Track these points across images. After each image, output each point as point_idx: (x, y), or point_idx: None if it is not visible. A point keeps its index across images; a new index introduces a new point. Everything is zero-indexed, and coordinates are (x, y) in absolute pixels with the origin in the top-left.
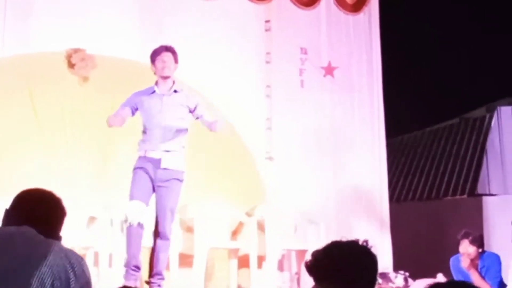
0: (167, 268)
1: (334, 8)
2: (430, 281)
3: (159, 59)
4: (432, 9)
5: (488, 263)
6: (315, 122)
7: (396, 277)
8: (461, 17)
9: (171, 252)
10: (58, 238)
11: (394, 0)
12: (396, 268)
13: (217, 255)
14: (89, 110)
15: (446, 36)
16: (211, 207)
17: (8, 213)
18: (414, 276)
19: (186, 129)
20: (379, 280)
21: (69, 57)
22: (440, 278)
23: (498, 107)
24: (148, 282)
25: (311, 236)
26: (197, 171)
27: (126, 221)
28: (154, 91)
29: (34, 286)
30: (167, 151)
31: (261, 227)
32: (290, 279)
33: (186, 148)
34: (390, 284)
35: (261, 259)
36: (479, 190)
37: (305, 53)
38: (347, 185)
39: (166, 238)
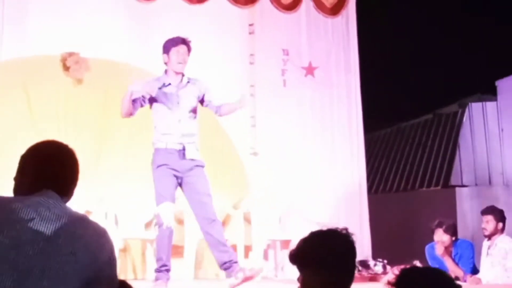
0: None
1: (314, 11)
2: None
3: (174, 51)
4: (406, 11)
5: (461, 250)
6: (297, 119)
7: (375, 264)
8: (433, 18)
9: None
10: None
11: (370, 4)
12: (375, 256)
13: (206, 246)
14: (82, 110)
15: (420, 37)
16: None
17: (20, 173)
18: (392, 263)
19: (197, 119)
20: (359, 268)
21: (64, 60)
22: (417, 265)
23: (470, 103)
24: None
25: (294, 227)
26: None
27: (157, 224)
28: (170, 84)
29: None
30: (189, 142)
31: (247, 219)
32: (275, 267)
33: (196, 137)
34: (370, 271)
35: (247, 249)
36: (452, 181)
37: (287, 54)
38: (328, 178)
39: (214, 221)
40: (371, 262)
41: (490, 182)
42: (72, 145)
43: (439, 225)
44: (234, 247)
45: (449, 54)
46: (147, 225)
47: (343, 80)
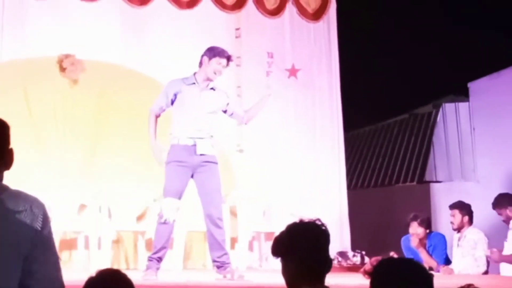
0: (150, 249)
1: (297, 17)
2: None
3: (216, 60)
4: (384, 18)
5: (435, 242)
6: (281, 118)
7: (353, 255)
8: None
9: (153, 235)
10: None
11: (349, 10)
12: (354, 248)
13: (194, 238)
14: (78, 109)
15: (396, 42)
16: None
17: None
18: (370, 255)
19: (215, 122)
20: (339, 258)
21: (60, 61)
22: (393, 256)
23: (443, 104)
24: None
25: (278, 220)
26: None
27: (160, 217)
28: (194, 83)
29: None
30: (200, 138)
31: (233, 212)
32: (259, 258)
33: (212, 136)
34: (349, 262)
35: (233, 241)
36: (427, 177)
37: (271, 57)
38: (310, 174)
39: (219, 219)
40: (350, 253)
41: (462, 178)
42: (68, 142)
43: (414, 219)
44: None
45: (424, 58)
46: (139, 218)
47: (325, 81)
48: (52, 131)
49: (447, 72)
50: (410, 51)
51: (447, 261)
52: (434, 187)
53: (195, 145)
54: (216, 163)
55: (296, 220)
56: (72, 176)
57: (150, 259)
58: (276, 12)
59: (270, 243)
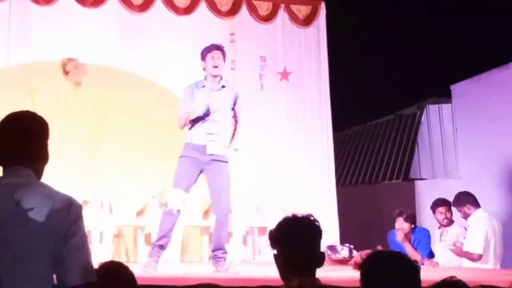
0: (149, 243)
1: (288, 22)
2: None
3: (209, 56)
4: (370, 23)
5: (419, 236)
6: (273, 118)
7: (342, 249)
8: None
9: (152, 229)
10: (46, 158)
11: (338, 17)
12: (343, 241)
13: (192, 232)
14: (81, 110)
15: (383, 46)
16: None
17: None
18: (357, 248)
19: (227, 120)
20: (328, 252)
21: (64, 65)
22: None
23: (427, 106)
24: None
25: (270, 215)
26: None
27: (166, 206)
28: (204, 86)
29: None
30: (212, 139)
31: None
32: (253, 251)
33: (223, 136)
34: (337, 255)
35: (228, 235)
36: (412, 175)
37: (264, 60)
38: (301, 171)
39: (223, 215)
40: (339, 247)
41: (445, 175)
42: (71, 141)
43: (400, 214)
44: None
45: (409, 61)
46: (138, 213)
47: (314, 83)
48: (56, 131)
49: (431, 75)
50: (395, 55)
51: (431, 255)
52: (419, 184)
53: (205, 145)
54: (225, 161)
55: (290, 215)
56: (75, 174)
57: (152, 246)
58: (269, 18)
59: (263, 238)
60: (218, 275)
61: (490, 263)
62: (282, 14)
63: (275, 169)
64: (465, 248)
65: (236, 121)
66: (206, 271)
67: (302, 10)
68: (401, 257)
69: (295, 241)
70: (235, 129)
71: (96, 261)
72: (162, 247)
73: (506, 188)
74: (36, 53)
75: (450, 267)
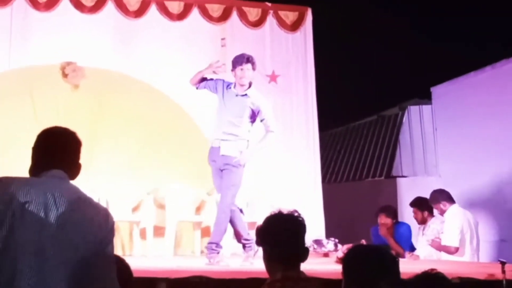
0: (144, 237)
1: (276, 28)
2: None
3: (239, 68)
4: (355, 28)
5: (401, 231)
6: None
7: (327, 243)
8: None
9: (147, 224)
10: (79, 167)
11: (324, 22)
12: (328, 236)
13: (184, 227)
14: (79, 111)
15: (366, 50)
16: (179, 188)
17: (34, 153)
18: (342, 242)
19: (245, 126)
20: (314, 246)
21: (63, 68)
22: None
23: (408, 107)
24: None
25: (260, 211)
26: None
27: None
28: (230, 88)
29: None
30: (225, 140)
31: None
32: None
33: (240, 139)
34: (323, 249)
35: (224, 232)
36: (394, 173)
37: None
38: (288, 169)
39: (219, 213)
40: (324, 241)
41: (425, 173)
42: None
43: (382, 210)
44: (208, 228)
45: (391, 65)
46: (134, 209)
47: (301, 86)
48: None
49: (412, 78)
50: (378, 59)
51: (412, 249)
52: (400, 181)
53: (219, 147)
54: (234, 165)
55: (276, 211)
56: None
57: (209, 250)
58: (258, 23)
59: (252, 232)
60: (210, 268)
61: (467, 256)
62: (270, 20)
63: (264, 167)
64: (442, 242)
65: (267, 131)
66: (198, 264)
67: (289, 16)
68: (379, 250)
69: (279, 236)
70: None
71: None
72: (218, 245)
73: (483, 183)
74: (36, 57)
75: (430, 260)
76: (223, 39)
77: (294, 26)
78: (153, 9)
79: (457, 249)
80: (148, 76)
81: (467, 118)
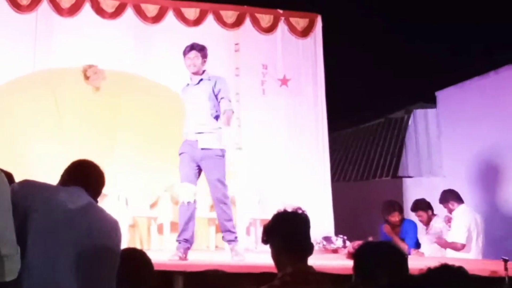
0: (161, 232)
1: (288, 34)
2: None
3: (186, 58)
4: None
5: (407, 228)
6: (274, 120)
7: (336, 239)
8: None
9: (164, 220)
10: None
11: (333, 28)
12: (337, 233)
13: (200, 223)
14: (100, 111)
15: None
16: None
17: (64, 176)
18: (350, 239)
19: (219, 112)
20: (324, 242)
21: (84, 71)
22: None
23: (414, 110)
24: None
25: (271, 208)
26: None
27: (178, 201)
28: (188, 84)
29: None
30: (201, 132)
31: (232, 201)
32: (255, 241)
33: (223, 129)
34: (332, 245)
35: (231, 219)
36: (400, 173)
37: (266, 68)
38: (299, 168)
39: (217, 204)
40: (333, 238)
41: (430, 173)
42: (90, 140)
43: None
44: None
45: (398, 70)
46: (152, 205)
47: (311, 89)
48: (77, 131)
49: (418, 82)
50: (386, 64)
51: (417, 245)
52: (406, 181)
53: (196, 140)
54: (218, 155)
55: (281, 209)
56: None
57: (177, 241)
58: (270, 29)
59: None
60: (224, 262)
61: (472, 253)
62: (282, 26)
63: (276, 167)
64: (449, 239)
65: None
66: (213, 258)
67: (300, 23)
68: (390, 247)
69: (285, 231)
70: (227, 113)
71: None
72: (186, 241)
73: (486, 184)
74: (59, 60)
75: (435, 257)
76: (236, 44)
77: (305, 32)
78: (170, 15)
79: (463, 246)
80: (165, 79)
81: (470, 121)
